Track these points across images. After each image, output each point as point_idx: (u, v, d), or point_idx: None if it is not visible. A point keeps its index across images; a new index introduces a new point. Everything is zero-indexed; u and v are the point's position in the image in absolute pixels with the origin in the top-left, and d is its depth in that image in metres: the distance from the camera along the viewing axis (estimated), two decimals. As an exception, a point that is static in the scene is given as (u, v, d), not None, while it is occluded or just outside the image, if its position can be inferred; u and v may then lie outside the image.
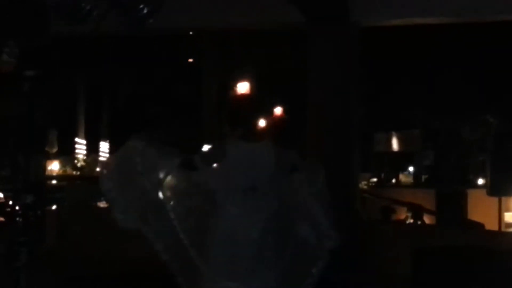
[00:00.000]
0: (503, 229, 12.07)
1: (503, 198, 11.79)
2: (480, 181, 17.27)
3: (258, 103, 4.98)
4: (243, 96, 5.01)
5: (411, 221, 12.68)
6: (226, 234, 4.61)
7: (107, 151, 25.35)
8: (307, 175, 4.91)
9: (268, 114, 5.48)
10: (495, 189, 11.37)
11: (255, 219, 4.61)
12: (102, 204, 14.33)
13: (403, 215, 13.73)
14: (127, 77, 23.56)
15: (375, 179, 19.48)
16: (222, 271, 4.54)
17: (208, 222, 4.70)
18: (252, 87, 5.01)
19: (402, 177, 20.29)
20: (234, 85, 5.03)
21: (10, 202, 11.53)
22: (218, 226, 4.64)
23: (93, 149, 25.24)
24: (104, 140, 25.43)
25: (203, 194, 4.75)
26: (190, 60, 23.47)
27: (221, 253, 4.58)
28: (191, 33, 20.72)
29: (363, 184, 16.85)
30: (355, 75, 9.68)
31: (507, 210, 15.04)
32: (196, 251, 4.67)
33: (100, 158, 25.04)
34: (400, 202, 13.74)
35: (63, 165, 24.00)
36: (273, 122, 5.80)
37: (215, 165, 4.91)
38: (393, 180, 19.82)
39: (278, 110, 5.97)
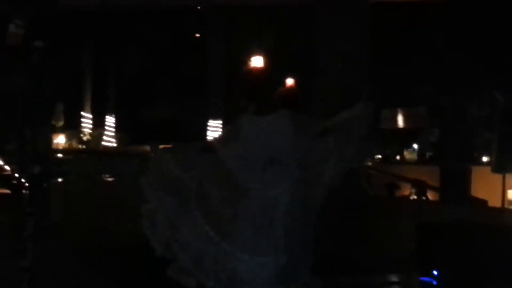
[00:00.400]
0: (506, 206, 12.11)
1: (507, 176, 11.82)
2: (485, 159, 17.30)
3: (272, 77, 4.83)
4: (257, 70, 4.84)
5: (415, 197, 12.72)
6: (251, 212, 4.44)
7: (113, 125, 25.36)
8: (339, 143, 4.69)
9: (279, 86, 5.25)
10: (500, 166, 11.40)
11: (278, 192, 4.43)
12: (107, 178, 14.43)
13: (408, 191, 13.77)
14: (134, 51, 23.54)
15: (380, 156, 19.50)
16: (249, 249, 4.39)
17: (233, 208, 4.52)
18: (265, 61, 4.84)
19: (407, 154, 20.31)
20: (248, 59, 4.88)
21: (16, 175, 11.62)
22: (243, 207, 4.46)
23: (99, 123, 25.26)
24: (110, 114, 25.43)
25: (225, 178, 4.58)
26: (197, 35, 23.41)
27: (249, 232, 4.42)
28: (198, 7, 20.69)
29: (368, 161, 16.88)
30: (364, 51, 9.67)
31: (511, 188, 15.08)
32: (224, 240, 4.50)
33: (106, 132, 25.10)
34: (405, 179, 13.76)
35: (69, 138, 24.09)
36: (285, 94, 5.58)
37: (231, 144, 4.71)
38: (398, 157, 19.84)
39: (289, 81, 5.75)
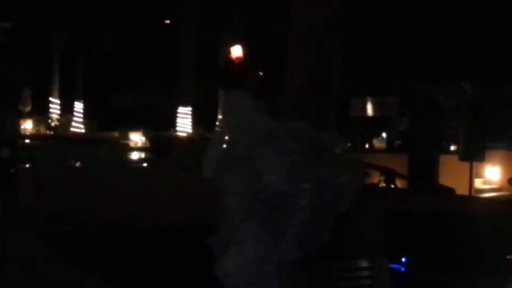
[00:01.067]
0: (473, 194, 12.25)
1: (474, 164, 11.94)
2: (453, 147, 17.48)
3: (250, 66, 4.84)
4: (237, 59, 4.82)
5: (384, 185, 12.79)
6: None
7: (82, 111, 25.17)
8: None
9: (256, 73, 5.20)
10: (467, 155, 11.54)
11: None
12: (75, 163, 14.33)
13: (376, 179, 13.84)
14: (104, 37, 23.33)
15: (349, 144, 19.58)
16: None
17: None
18: (244, 50, 4.79)
19: (376, 142, 20.43)
20: (227, 48, 4.83)
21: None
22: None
23: (67, 109, 25.06)
24: (79, 100, 25.23)
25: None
26: (168, 21, 23.28)
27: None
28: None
29: (337, 149, 16.92)
30: (337, 40, 9.67)
31: (477, 176, 15.26)
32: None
33: (74, 118, 24.91)
34: (374, 166, 13.82)
35: (36, 124, 23.85)
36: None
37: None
38: (367, 145, 19.95)
39: (237, 50, 5.35)
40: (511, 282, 2.91)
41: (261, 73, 5.61)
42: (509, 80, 18.55)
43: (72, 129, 24.52)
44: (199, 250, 4.70)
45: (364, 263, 4.30)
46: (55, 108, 24.84)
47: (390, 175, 12.55)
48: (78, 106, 25.13)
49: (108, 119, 24.18)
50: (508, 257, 3.01)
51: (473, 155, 11.44)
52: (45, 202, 9.37)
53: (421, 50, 18.65)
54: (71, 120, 24.77)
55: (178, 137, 21.58)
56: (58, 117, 24.61)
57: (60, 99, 24.87)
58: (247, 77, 4.83)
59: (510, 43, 18.35)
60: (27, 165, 12.57)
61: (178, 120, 23.03)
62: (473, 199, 10.56)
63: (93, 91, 24.95)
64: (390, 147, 19.29)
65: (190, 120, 23.01)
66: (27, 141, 18.41)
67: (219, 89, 23.31)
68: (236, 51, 4.80)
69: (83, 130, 24.71)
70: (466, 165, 11.83)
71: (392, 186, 12.43)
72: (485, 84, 18.11)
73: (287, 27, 9.65)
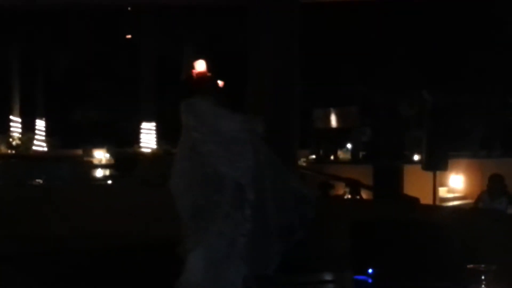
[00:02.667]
0: (437, 203, 12.33)
1: (438, 173, 12.02)
2: (416, 157, 17.62)
3: (214, 80, 4.93)
4: (200, 74, 4.89)
5: (349, 196, 12.84)
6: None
7: (43, 129, 24.88)
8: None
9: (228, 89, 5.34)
10: (430, 164, 11.60)
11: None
12: (37, 182, 14.16)
13: (342, 190, 13.89)
14: (64, 53, 23.12)
15: (313, 156, 19.63)
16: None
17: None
18: (207, 65, 4.87)
19: (340, 154, 20.51)
20: (190, 63, 4.91)
21: None
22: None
23: (28, 127, 24.75)
24: (40, 118, 24.94)
25: None
26: (128, 36, 23.17)
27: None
28: (129, 8, 20.45)
29: (302, 161, 16.98)
30: (295, 51, 9.69)
31: (442, 185, 15.39)
32: None
33: (36, 136, 24.61)
34: (338, 178, 13.88)
35: (-3, 143, 23.52)
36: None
37: None
38: (332, 157, 20.02)
39: (200, 66, 5.49)
40: None
41: (221, 84, 5.64)
42: (470, 88, 18.78)
43: (34, 147, 24.21)
44: (165, 266, 4.69)
45: (328, 276, 4.28)
46: (16, 126, 24.50)
47: (355, 186, 12.61)
48: (40, 124, 24.84)
49: (70, 137, 23.93)
50: (468, 266, 3.03)
51: (436, 164, 11.51)
52: (6, 221, 9.21)
53: (382, 60, 18.81)
54: (33, 139, 24.46)
55: (142, 153, 21.47)
56: (19, 135, 24.27)
57: (21, 117, 24.55)
58: (208, 89, 4.88)
59: (470, 51, 18.60)
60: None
61: (142, 136, 22.90)
62: (436, 208, 10.63)
63: (54, 109, 24.69)
64: (355, 158, 19.39)
65: (155, 135, 22.90)
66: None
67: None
68: (200, 66, 4.86)
69: (45, 148, 24.42)
70: (430, 174, 11.90)
71: (357, 197, 12.48)
72: (446, 92, 18.31)
73: (247, 39, 9.66)
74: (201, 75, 4.88)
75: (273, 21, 9.30)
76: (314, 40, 17.24)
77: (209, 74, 4.95)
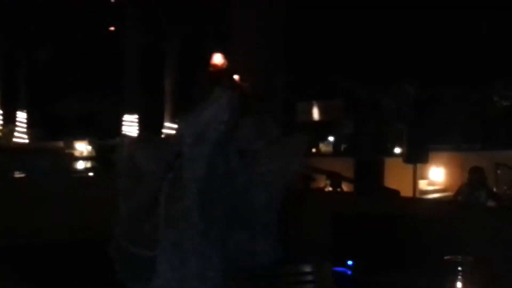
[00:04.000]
0: (417, 195, 12.41)
1: (418, 166, 12.10)
2: (397, 150, 17.73)
3: (230, 73, 4.84)
4: (219, 68, 4.79)
5: (330, 189, 12.89)
6: None
7: (25, 121, 24.77)
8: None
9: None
10: (411, 157, 11.68)
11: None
12: (18, 175, 14.10)
13: (323, 183, 13.94)
14: (46, 45, 23.01)
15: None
16: None
17: None
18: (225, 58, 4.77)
19: (322, 146, 20.60)
20: (210, 57, 4.79)
21: None
22: None
23: (10, 119, 24.64)
24: (22, 109, 24.81)
25: None
26: (112, 28, 23.09)
27: None
28: (112, 0, 20.39)
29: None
30: (280, 42, 9.70)
31: (422, 178, 15.49)
32: None
33: (17, 128, 24.50)
34: (320, 171, 13.92)
35: (-22, 135, 23.41)
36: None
37: None
38: (313, 149, 20.09)
39: (218, 59, 5.51)
40: (449, 282, 2.98)
41: (237, 78, 5.63)
42: (451, 81, 18.90)
43: (15, 139, 24.10)
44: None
45: (307, 268, 4.32)
46: (-4, 118, 24.39)
47: (336, 179, 12.67)
48: (21, 115, 24.71)
49: (52, 129, 23.84)
50: (445, 257, 3.07)
51: (416, 157, 11.59)
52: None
53: (364, 52, 18.86)
54: (14, 130, 24.35)
55: (124, 146, 21.37)
56: (0, 127, 24.15)
57: (2, 109, 24.42)
58: (225, 84, 4.78)
59: (450, 45, 18.70)
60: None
61: (124, 128, 22.84)
62: (416, 201, 10.72)
63: (36, 100, 24.58)
64: (336, 151, 19.47)
65: (137, 128, 22.86)
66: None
67: (165, 96, 23.19)
68: (217, 59, 4.75)
69: (26, 140, 24.31)
70: (410, 167, 11.99)
71: (338, 189, 12.55)
72: (427, 86, 18.42)
73: (231, 30, 9.67)
74: (218, 68, 4.79)
75: (257, 12, 9.32)
76: (298, 33, 17.26)
77: (226, 67, 4.84)
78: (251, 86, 5.90)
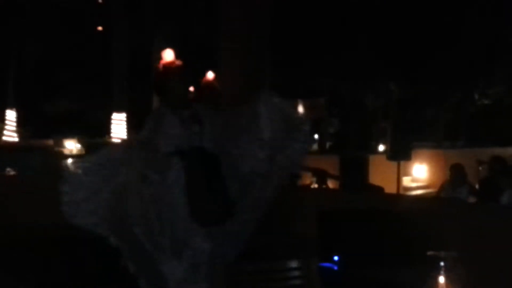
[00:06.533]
0: (401, 192, 12.58)
1: (402, 163, 12.28)
2: (381, 147, 17.92)
3: (183, 71, 4.81)
4: (168, 64, 4.80)
5: (316, 185, 13.01)
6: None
7: (14, 119, 24.75)
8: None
9: (197, 79, 5.30)
10: (394, 154, 11.87)
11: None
12: (9, 172, 14.16)
13: (308, 180, 14.04)
14: (35, 44, 23.01)
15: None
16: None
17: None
18: (177, 54, 4.80)
19: (308, 144, 20.68)
20: (160, 53, 4.82)
21: None
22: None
23: (-2, 117, 24.63)
24: (11, 108, 24.79)
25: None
26: (100, 28, 23.11)
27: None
28: (100, 0, 20.44)
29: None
30: (265, 41, 9.83)
31: (405, 175, 15.66)
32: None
33: (6, 127, 24.48)
34: (305, 168, 14.01)
35: (-33, 134, 23.35)
36: (203, 87, 5.70)
37: None
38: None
39: (209, 75, 5.82)
40: (432, 277, 3.09)
41: (212, 77, 5.79)
42: (434, 80, 19.05)
43: (4, 137, 24.08)
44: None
45: (294, 263, 4.39)
46: (-15, 116, 24.35)
47: (322, 176, 12.80)
48: (10, 114, 24.69)
49: (41, 127, 23.85)
50: (428, 253, 3.17)
51: (400, 154, 11.78)
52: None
53: (347, 50, 18.96)
54: (3, 129, 24.32)
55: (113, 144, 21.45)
56: (-11, 126, 24.14)
57: (-9, 107, 24.40)
58: (177, 81, 4.77)
59: (433, 43, 18.83)
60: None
61: (112, 126, 22.89)
62: (400, 197, 10.84)
63: (25, 99, 24.56)
64: (322, 148, 19.59)
65: (125, 126, 22.90)
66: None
67: (153, 95, 23.16)
68: (168, 55, 4.75)
69: (16, 139, 24.30)
70: (394, 164, 12.16)
71: (324, 186, 12.68)
72: (412, 84, 18.57)
73: (217, 29, 9.79)
74: (169, 65, 4.78)
75: (243, 10, 9.45)
76: (281, 32, 17.42)
77: (178, 63, 4.84)
78: (216, 84, 6.02)
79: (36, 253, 6.89)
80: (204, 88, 5.80)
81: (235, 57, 9.64)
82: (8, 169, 14.18)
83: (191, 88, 4.85)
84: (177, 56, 4.72)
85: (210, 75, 5.83)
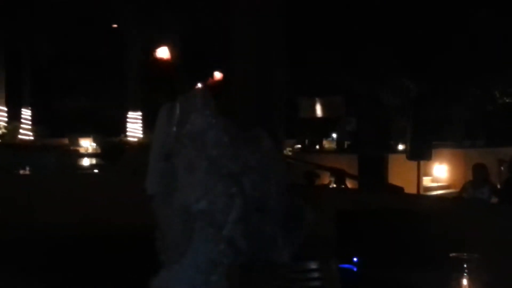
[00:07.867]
0: (421, 192, 12.43)
1: (422, 163, 12.12)
2: (400, 147, 17.74)
3: (178, 68, 4.79)
4: (162, 61, 4.78)
5: (335, 185, 12.92)
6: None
7: (29, 118, 24.83)
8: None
9: (204, 77, 5.24)
10: (414, 154, 11.70)
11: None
12: (23, 172, 14.16)
13: (327, 179, 13.97)
14: (50, 42, 23.04)
15: (299, 145, 19.72)
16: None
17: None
18: (173, 51, 4.75)
19: (326, 143, 20.61)
20: (154, 50, 4.77)
21: None
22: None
23: (14, 116, 24.69)
24: (26, 107, 24.87)
25: None
26: (114, 25, 23.12)
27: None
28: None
29: (287, 150, 17.06)
30: (280, 39, 9.72)
31: (425, 175, 15.52)
32: None
33: (22, 125, 24.55)
34: (324, 167, 13.95)
35: (-18, 132, 23.46)
36: (210, 85, 5.63)
37: None
38: (317, 146, 20.11)
39: (217, 74, 5.79)
40: (454, 279, 2.98)
41: (219, 76, 5.69)
42: (454, 78, 18.89)
43: (20, 136, 24.16)
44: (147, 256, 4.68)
45: (313, 265, 4.33)
46: (1, 115, 24.43)
47: (340, 175, 12.69)
48: (26, 113, 24.77)
49: (57, 126, 23.91)
50: (451, 254, 3.07)
51: (420, 154, 11.61)
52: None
53: (364, 48, 18.84)
54: (19, 127, 24.41)
55: (128, 142, 21.47)
56: (5, 124, 24.20)
57: (7, 106, 24.47)
58: (173, 78, 4.76)
59: (453, 41, 18.68)
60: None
61: (128, 125, 22.89)
62: (421, 197, 10.73)
63: (41, 98, 24.63)
64: (340, 147, 19.48)
65: (141, 125, 22.91)
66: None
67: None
68: (162, 52, 4.73)
69: (31, 137, 24.37)
70: (414, 163, 12.00)
71: (343, 186, 12.57)
72: (430, 82, 18.41)
73: (230, 26, 9.68)
74: (163, 62, 4.79)
75: (257, 7, 9.34)
76: (298, 29, 17.28)
77: (171, 61, 4.83)
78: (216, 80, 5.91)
79: (49, 251, 6.86)
80: (212, 88, 5.70)
81: (248, 54, 9.52)
82: (22, 169, 14.19)
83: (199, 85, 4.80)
84: (185, 55, 4.68)
85: (217, 75, 5.70)
